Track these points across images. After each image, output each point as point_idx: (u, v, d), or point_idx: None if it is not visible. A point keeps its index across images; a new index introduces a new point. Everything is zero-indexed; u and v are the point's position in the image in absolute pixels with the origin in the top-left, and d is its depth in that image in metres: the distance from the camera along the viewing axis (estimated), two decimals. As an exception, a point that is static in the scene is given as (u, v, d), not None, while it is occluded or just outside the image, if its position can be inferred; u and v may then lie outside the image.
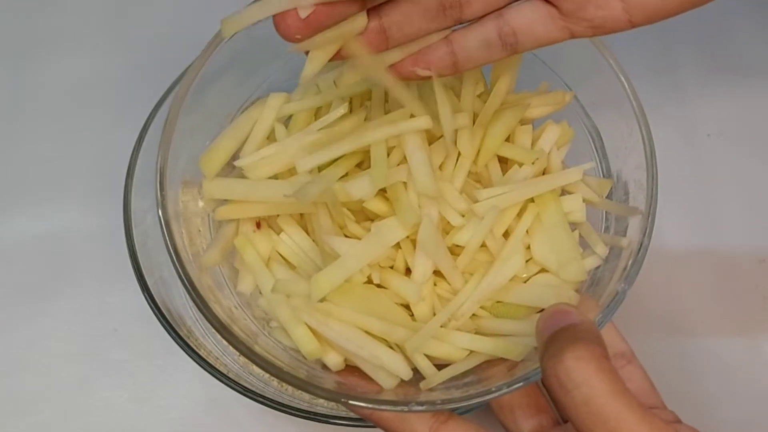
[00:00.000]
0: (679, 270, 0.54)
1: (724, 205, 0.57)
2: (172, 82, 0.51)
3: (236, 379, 0.42)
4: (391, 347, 0.35)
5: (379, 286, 0.36)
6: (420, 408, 0.32)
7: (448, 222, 0.36)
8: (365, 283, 0.36)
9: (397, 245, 0.36)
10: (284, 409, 0.41)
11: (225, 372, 0.42)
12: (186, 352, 0.42)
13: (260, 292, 0.38)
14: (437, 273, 0.36)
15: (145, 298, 0.44)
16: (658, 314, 0.52)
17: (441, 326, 0.35)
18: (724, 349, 0.51)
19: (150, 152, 0.49)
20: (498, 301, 0.36)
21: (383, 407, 0.32)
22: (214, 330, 0.34)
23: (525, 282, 0.37)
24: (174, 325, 0.43)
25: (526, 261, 0.37)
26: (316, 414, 0.41)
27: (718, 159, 0.59)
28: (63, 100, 0.61)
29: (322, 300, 0.34)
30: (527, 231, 0.37)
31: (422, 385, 0.34)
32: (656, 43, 0.62)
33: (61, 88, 0.62)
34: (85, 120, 0.60)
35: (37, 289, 0.53)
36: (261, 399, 0.41)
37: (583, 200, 0.39)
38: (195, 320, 0.48)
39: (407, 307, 0.36)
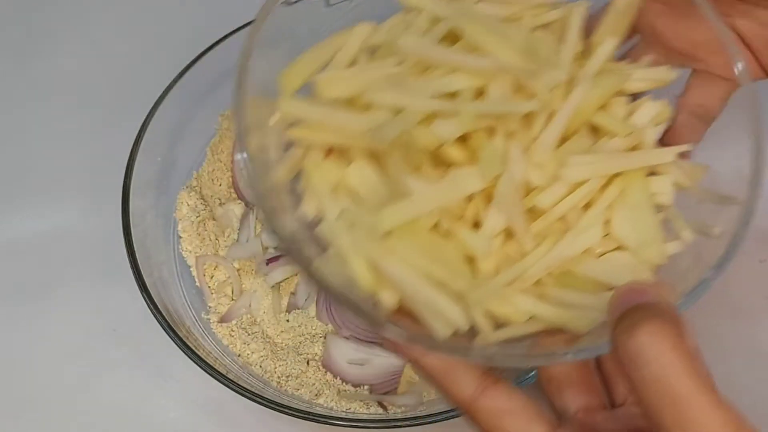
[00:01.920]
0: (679, 270, 0.54)
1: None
2: (171, 82, 0.50)
3: (235, 380, 0.42)
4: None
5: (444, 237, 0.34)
6: (480, 358, 0.30)
7: (527, 184, 0.34)
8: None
9: (470, 198, 0.34)
10: (283, 409, 0.41)
11: (224, 372, 0.42)
12: (185, 352, 0.42)
13: (321, 219, 0.36)
14: (506, 234, 0.34)
15: (144, 298, 0.44)
16: (658, 314, 0.52)
17: (505, 286, 0.33)
18: (725, 349, 0.51)
19: (149, 152, 0.49)
20: (566, 272, 0.35)
21: (442, 349, 0.30)
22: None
23: (599, 257, 0.35)
24: (173, 325, 0.43)
25: (603, 236, 0.35)
26: (315, 414, 0.41)
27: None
28: (61, 99, 0.61)
29: (386, 235, 0.32)
30: (609, 206, 0.35)
31: (477, 341, 0.33)
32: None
33: (60, 87, 0.61)
34: (84, 119, 0.60)
35: (36, 288, 0.53)
36: (260, 399, 0.41)
37: (673, 184, 0.36)
38: (194, 320, 0.48)
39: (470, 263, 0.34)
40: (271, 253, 0.51)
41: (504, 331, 0.33)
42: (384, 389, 0.47)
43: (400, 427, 0.41)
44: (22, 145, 0.59)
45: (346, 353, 0.47)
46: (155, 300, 0.44)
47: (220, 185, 0.55)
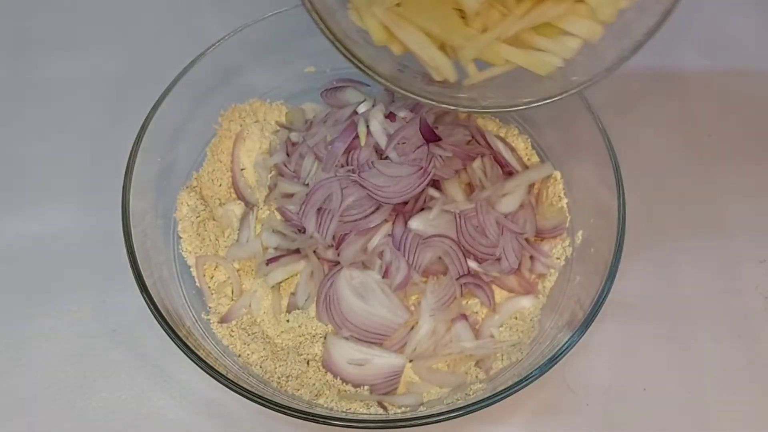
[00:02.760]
0: (679, 269, 0.54)
1: (724, 205, 0.57)
2: (170, 83, 0.51)
3: (235, 380, 0.42)
4: (445, 51, 0.42)
5: None
6: (465, 99, 0.42)
7: None
8: None
9: None
10: (283, 409, 0.41)
11: (224, 372, 0.42)
12: (185, 353, 0.42)
13: None
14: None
15: (144, 298, 0.44)
16: (658, 314, 0.52)
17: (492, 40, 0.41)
18: (724, 348, 0.51)
19: (149, 152, 0.49)
20: (544, 24, 0.41)
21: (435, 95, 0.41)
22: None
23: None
24: (173, 326, 0.43)
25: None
26: (315, 414, 0.41)
27: (719, 158, 0.59)
28: (61, 100, 0.61)
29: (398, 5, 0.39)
30: None
31: (465, 82, 0.42)
32: (658, 42, 0.62)
33: (59, 88, 0.61)
34: (84, 120, 0.60)
35: (36, 289, 0.53)
36: (260, 399, 0.41)
37: None
38: (194, 321, 0.48)
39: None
40: (271, 253, 0.51)
41: (486, 72, 0.42)
42: (384, 389, 0.47)
43: (400, 427, 0.41)
44: (22, 145, 0.59)
45: (346, 353, 0.47)
46: (155, 300, 0.44)
47: (220, 185, 0.55)
